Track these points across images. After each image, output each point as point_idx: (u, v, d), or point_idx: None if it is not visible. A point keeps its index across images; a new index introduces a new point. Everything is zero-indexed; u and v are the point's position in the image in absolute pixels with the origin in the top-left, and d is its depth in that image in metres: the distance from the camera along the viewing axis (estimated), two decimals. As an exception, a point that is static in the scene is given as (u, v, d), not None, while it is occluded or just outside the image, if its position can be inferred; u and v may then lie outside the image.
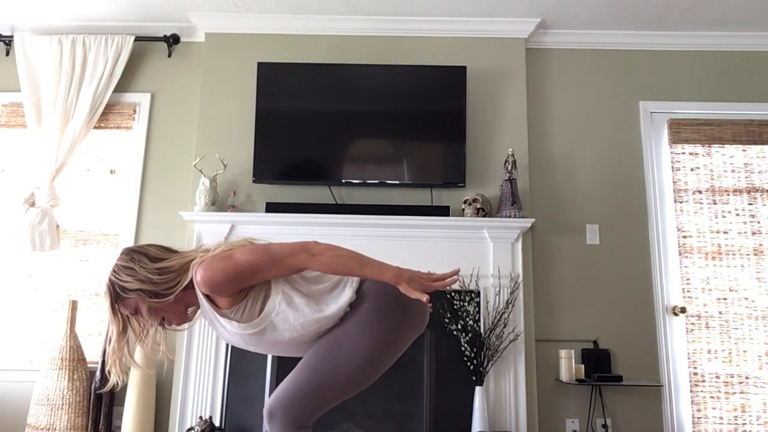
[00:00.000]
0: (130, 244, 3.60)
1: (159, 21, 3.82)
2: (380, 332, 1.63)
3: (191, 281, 1.58)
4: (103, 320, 3.50)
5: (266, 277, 1.58)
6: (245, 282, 1.56)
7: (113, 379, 1.67)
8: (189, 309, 1.69)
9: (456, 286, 3.31)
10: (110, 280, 1.60)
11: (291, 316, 1.62)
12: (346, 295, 1.66)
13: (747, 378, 3.45)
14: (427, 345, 3.22)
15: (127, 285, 1.57)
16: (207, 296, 1.60)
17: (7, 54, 3.88)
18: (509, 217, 3.35)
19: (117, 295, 1.59)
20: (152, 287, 1.57)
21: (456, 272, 1.58)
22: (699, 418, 3.40)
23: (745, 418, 3.40)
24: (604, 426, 3.36)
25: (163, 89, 3.85)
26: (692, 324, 3.51)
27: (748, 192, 3.68)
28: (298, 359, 1.73)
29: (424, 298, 1.51)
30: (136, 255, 1.61)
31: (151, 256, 1.62)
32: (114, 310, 1.62)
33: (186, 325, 1.73)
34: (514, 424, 3.19)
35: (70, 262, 3.64)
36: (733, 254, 3.60)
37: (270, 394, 3.13)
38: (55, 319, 3.54)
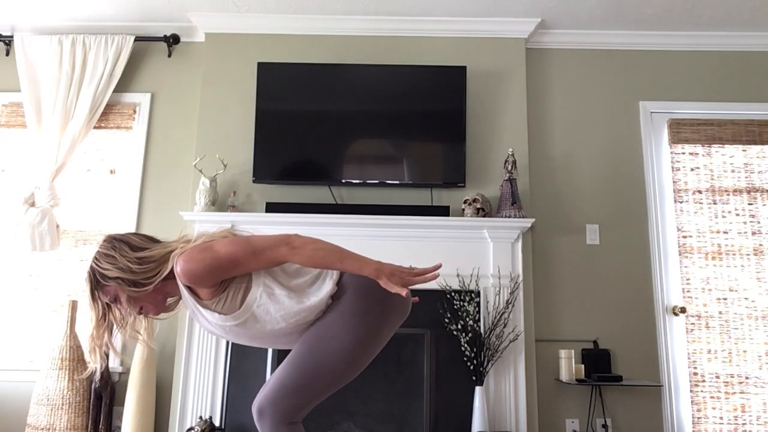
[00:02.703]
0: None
1: (159, 21, 3.82)
2: (362, 323, 1.63)
3: (171, 272, 1.58)
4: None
5: (247, 269, 1.58)
6: (225, 274, 1.56)
7: (92, 366, 1.67)
8: (168, 299, 1.69)
9: (456, 286, 3.31)
10: (91, 267, 1.61)
11: (272, 308, 1.62)
12: (326, 287, 1.66)
13: (747, 378, 3.45)
14: (427, 345, 3.23)
15: (106, 273, 1.58)
16: (188, 287, 1.60)
17: (7, 54, 3.89)
18: (509, 217, 3.35)
19: (97, 282, 1.60)
20: (132, 276, 1.57)
21: (437, 267, 1.59)
22: (699, 418, 3.40)
23: (745, 418, 3.40)
24: (604, 426, 3.36)
25: (163, 89, 3.85)
26: (692, 324, 3.51)
27: (748, 192, 3.68)
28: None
29: (404, 292, 1.51)
30: (117, 243, 1.61)
31: (132, 244, 1.62)
32: (94, 297, 1.62)
33: (164, 315, 1.73)
34: (514, 424, 3.19)
35: (70, 262, 3.64)
36: (733, 254, 3.60)
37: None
38: (55, 319, 3.54)
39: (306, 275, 1.70)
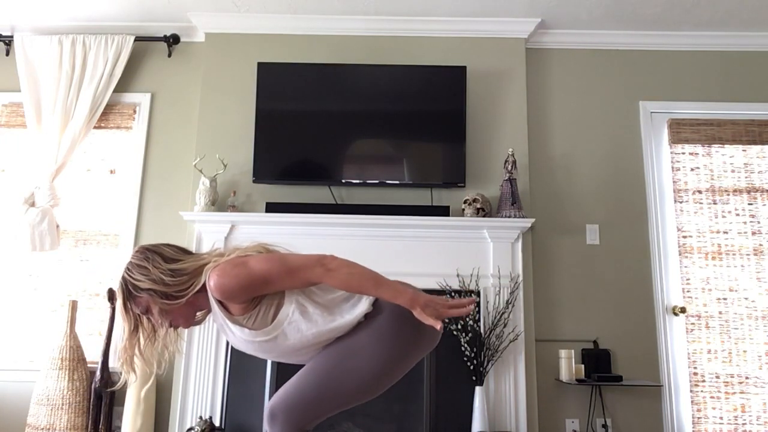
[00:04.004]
0: (131, 244, 3.60)
1: (159, 21, 3.82)
2: (393, 347, 1.61)
3: (204, 285, 1.56)
4: (103, 320, 3.50)
5: (279, 287, 1.57)
6: (258, 291, 1.55)
7: (123, 377, 1.66)
8: (198, 312, 1.68)
9: (456, 286, 3.31)
10: (123, 278, 1.59)
11: (304, 326, 1.60)
12: (362, 306, 1.64)
13: (747, 378, 3.45)
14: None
15: (139, 284, 1.56)
16: (219, 301, 1.58)
17: (7, 54, 3.88)
18: (509, 217, 3.35)
19: (129, 293, 1.58)
20: (164, 288, 1.55)
21: (472, 301, 1.56)
22: (699, 418, 3.40)
23: (745, 418, 3.40)
24: (604, 426, 3.36)
25: (163, 89, 3.85)
26: (692, 324, 3.51)
27: (748, 192, 3.68)
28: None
29: (438, 326, 1.49)
30: (150, 254, 1.60)
31: (165, 256, 1.60)
32: (126, 308, 1.60)
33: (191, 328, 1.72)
34: (514, 424, 3.19)
35: (70, 262, 3.64)
36: (733, 254, 3.60)
37: (270, 394, 3.13)
38: (55, 319, 3.54)
39: (340, 290, 1.67)
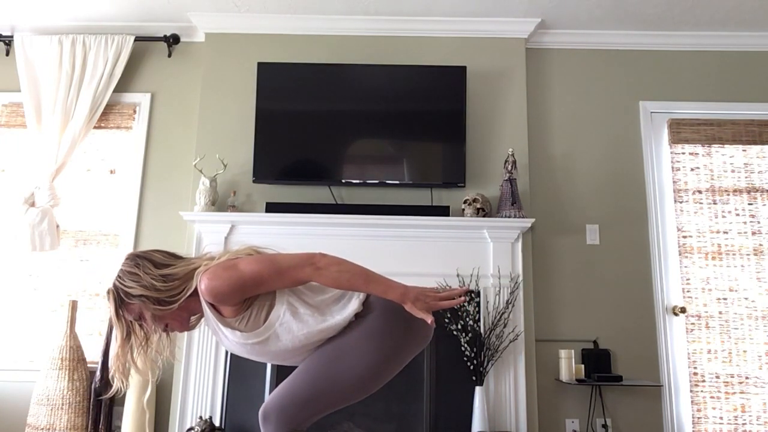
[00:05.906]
0: (131, 244, 3.60)
1: (159, 21, 3.82)
2: (384, 346, 1.62)
3: (195, 289, 1.57)
4: (103, 320, 3.50)
5: (271, 288, 1.58)
6: (249, 292, 1.56)
7: (117, 385, 1.65)
8: (192, 316, 1.68)
9: (456, 286, 3.31)
10: (114, 285, 1.60)
11: (295, 326, 1.61)
12: (352, 306, 1.64)
13: (747, 378, 3.45)
14: (427, 345, 3.22)
15: (130, 291, 1.56)
16: (211, 305, 1.59)
17: (7, 54, 3.88)
18: (509, 217, 3.35)
19: (121, 300, 1.59)
20: (156, 294, 1.56)
21: (463, 291, 1.58)
22: (699, 418, 3.40)
23: (745, 418, 3.40)
24: (604, 426, 3.36)
25: (163, 89, 3.85)
26: (692, 324, 3.51)
27: (748, 192, 3.68)
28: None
29: (429, 319, 1.50)
30: (140, 261, 1.60)
31: (155, 262, 1.61)
32: (118, 315, 1.60)
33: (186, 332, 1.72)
34: (514, 424, 3.19)
35: (70, 262, 3.64)
36: (733, 254, 3.60)
37: (270, 394, 3.13)
38: (55, 319, 3.54)
39: (331, 291, 1.69)
